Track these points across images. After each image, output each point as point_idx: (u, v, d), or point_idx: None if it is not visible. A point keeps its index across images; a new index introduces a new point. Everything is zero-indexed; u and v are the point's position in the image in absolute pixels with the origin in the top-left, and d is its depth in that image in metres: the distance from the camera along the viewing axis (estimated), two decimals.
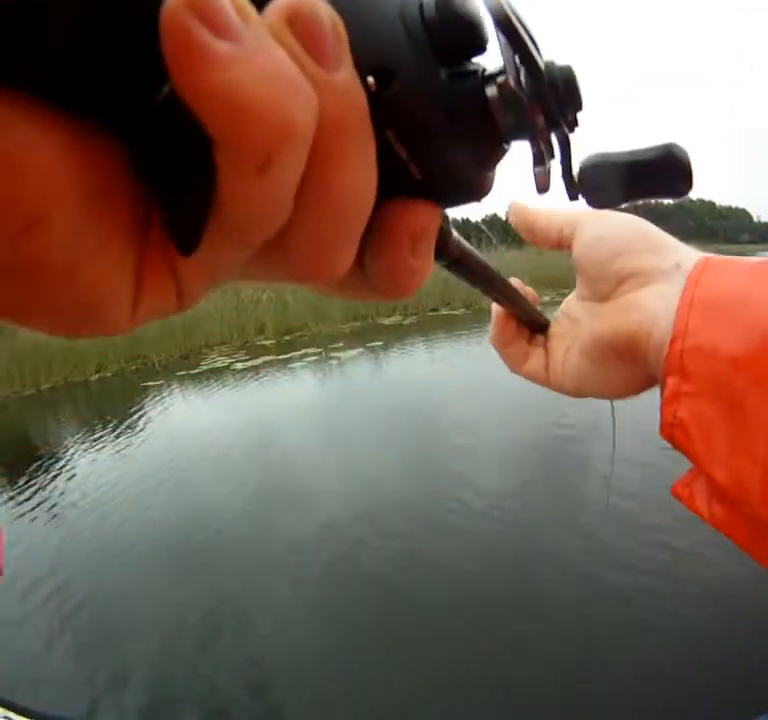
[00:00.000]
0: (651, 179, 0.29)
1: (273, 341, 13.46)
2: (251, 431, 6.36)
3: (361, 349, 10.96)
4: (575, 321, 0.45)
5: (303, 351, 11.32)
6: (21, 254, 0.11)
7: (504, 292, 0.42)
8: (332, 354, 10.73)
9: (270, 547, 3.29)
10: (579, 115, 0.21)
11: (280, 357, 10.96)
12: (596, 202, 0.30)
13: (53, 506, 4.67)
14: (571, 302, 0.47)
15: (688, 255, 0.37)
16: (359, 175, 0.15)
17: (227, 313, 14.57)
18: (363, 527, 3.36)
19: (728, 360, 0.31)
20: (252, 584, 2.91)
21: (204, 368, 11.01)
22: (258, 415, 7.21)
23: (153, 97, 0.12)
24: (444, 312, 17.16)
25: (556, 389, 0.45)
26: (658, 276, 0.37)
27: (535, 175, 0.23)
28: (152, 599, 2.94)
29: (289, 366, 10.07)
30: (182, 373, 10.85)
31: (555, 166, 0.25)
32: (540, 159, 0.22)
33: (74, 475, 5.46)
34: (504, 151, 0.21)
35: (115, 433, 6.93)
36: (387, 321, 15.40)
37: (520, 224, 0.47)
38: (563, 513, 3.36)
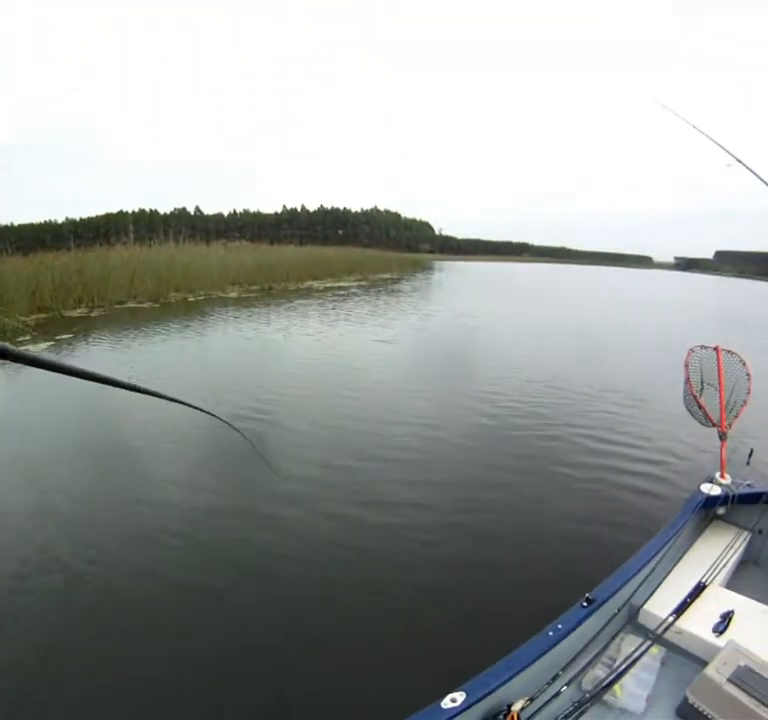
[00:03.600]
0: None
1: None
2: None
3: (52, 342, 11.96)
4: None
5: None
6: None
7: None
8: (22, 347, 10.91)
9: None
10: None
11: None
12: None
13: None
14: None
15: None
16: None
17: None
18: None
19: None
20: None
21: None
22: None
23: None
24: (131, 305, 18.32)
25: None
26: None
27: None
28: None
29: None
30: None
31: None
32: None
33: None
34: None
35: None
36: (74, 313, 16.24)
37: None
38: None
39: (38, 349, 11.16)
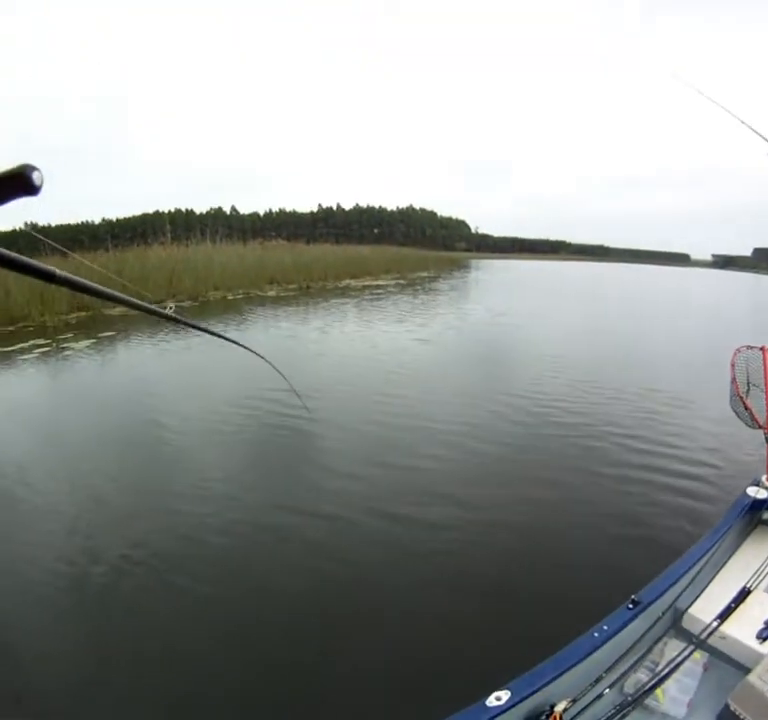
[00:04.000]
0: None
1: None
2: None
3: (94, 340, 12.02)
4: None
5: (31, 342, 11.96)
6: None
7: None
8: (64, 345, 11.60)
9: None
10: None
11: (5, 350, 11.37)
12: None
13: None
14: None
15: None
16: None
17: None
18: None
19: None
20: None
21: None
22: None
23: None
24: (170, 304, 18.21)
25: None
26: None
27: None
28: None
29: (16, 358, 10.57)
30: None
31: None
32: None
33: None
34: None
35: None
36: (114, 312, 16.43)
37: None
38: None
39: (80, 346, 11.40)
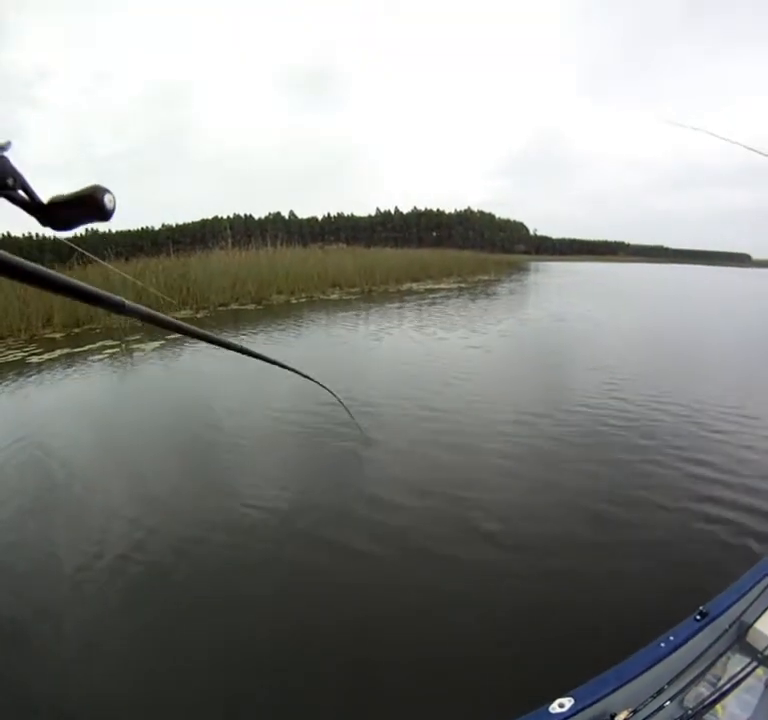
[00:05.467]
0: None
1: (62, 334, 13.80)
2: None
3: (162, 341, 12.01)
4: None
5: (100, 344, 12.02)
6: None
7: None
8: (133, 346, 11.64)
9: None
10: None
11: (77, 350, 11.47)
12: None
13: None
14: None
15: None
16: None
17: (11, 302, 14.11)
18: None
19: None
20: None
21: None
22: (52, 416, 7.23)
23: None
24: (234, 307, 18.41)
25: None
26: None
27: None
28: None
29: (88, 359, 10.60)
30: None
31: None
32: None
33: None
34: None
35: None
36: (180, 315, 16.14)
37: None
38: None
39: (148, 348, 11.44)
